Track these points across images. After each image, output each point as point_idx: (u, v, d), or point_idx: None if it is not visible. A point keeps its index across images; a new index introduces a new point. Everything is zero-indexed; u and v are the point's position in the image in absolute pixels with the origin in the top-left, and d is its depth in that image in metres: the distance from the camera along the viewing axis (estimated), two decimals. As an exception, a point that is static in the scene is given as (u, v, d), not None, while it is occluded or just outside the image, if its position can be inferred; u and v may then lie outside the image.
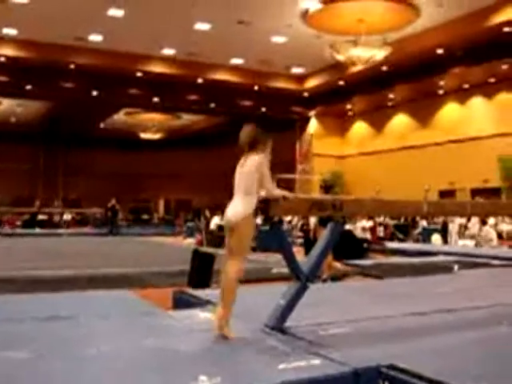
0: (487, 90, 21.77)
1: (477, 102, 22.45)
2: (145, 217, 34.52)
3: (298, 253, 12.11)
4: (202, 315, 4.73)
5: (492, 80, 21.13)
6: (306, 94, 23.92)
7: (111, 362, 3.34)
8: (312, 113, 26.71)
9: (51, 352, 3.54)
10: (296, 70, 23.98)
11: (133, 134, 33.93)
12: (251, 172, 4.01)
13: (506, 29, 17.03)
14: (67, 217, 27.64)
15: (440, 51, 19.26)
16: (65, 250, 14.21)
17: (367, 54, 17.29)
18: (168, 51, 21.66)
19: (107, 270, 8.88)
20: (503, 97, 21.32)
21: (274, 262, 9.44)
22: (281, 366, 3.23)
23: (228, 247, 4.02)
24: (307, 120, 27.03)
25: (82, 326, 4.35)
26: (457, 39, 18.33)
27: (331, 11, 17.00)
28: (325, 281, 8.02)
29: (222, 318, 3.87)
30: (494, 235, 16.01)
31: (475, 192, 21.34)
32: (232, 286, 3.92)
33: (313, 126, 27.23)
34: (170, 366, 3.26)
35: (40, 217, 25.82)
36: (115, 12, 17.49)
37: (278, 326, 3.95)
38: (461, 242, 16.58)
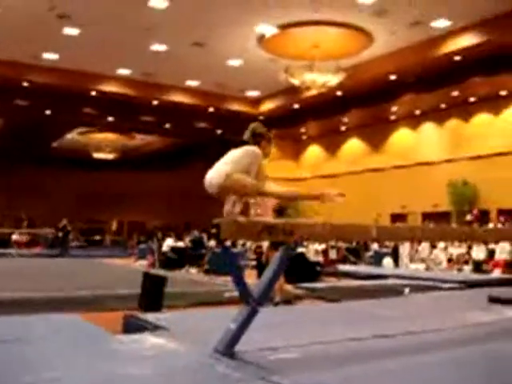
0: (438, 116, 22.29)
1: (428, 127, 22.95)
2: (97, 238, 34.06)
3: (251, 275, 12.10)
4: (152, 340, 4.66)
5: (443, 106, 21.66)
6: (261, 117, 24.05)
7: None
8: (267, 136, 26.87)
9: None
10: (252, 93, 24.13)
11: (86, 154, 33.54)
12: (244, 152, 4.07)
13: (457, 57, 17.52)
14: (18, 237, 27.06)
15: (393, 78, 19.68)
16: (13, 271, 13.87)
17: (322, 79, 17.54)
18: (124, 71, 21.56)
19: (55, 293, 8.69)
20: (453, 123, 21.86)
21: (227, 285, 9.40)
22: (229, 392, 3.20)
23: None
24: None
25: (25, 351, 4.22)
26: (409, 66, 18.75)
27: (287, 36, 17.22)
28: (277, 304, 8.02)
29: None
30: (443, 258, 16.33)
31: (426, 216, 21.75)
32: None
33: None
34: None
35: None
36: (71, 31, 17.35)
37: (228, 350, 3.92)
38: (412, 266, 16.83)
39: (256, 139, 4.29)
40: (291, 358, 4.07)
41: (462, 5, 15.00)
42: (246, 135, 4.34)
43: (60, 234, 23.68)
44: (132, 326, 5.55)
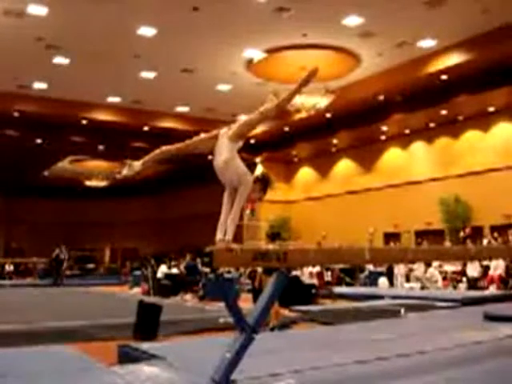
0: (427, 134, 22.39)
1: (418, 146, 23.02)
2: (90, 266, 33.88)
3: (247, 300, 12.05)
4: (148, 370, 4.63)
5: (432, 125, 21.78)
6: (252, 141, 24.11)
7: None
8: (258, 159, 26.94)
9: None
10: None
11: (78, 182, 33.47)
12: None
13: (444, 76, 17.67)
14: (9, 267, 26.88)
15: (381, 98, 19.80)
16: (5, 302, 13.75)
17: (311, 101, 17.62)
18: (113, 99, 21.60)
19: (48, 324, 8.59)
20: (443, 141, 21.95)
21: (222, 310, 9.35)
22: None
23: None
24: (254, 166, 27.23)
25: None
26: (397, 86, 18.88)
27: (275, 60, 17.33)
28: (273, 329, 7.98)
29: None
30: (438, 277, 16.31)
31: (419, 234, 21.73)
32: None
33: (259, 171, 27.46)
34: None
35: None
36: (60, 60, 17.41)
37: (224, 379, 3.88)
38: (407, 285, 16.80)
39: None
40: (288, 385, 4.05)
41: (447, 24, 15.17)
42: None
43: (53, 264, 23.53)
44: (127, 356, 5.52)
